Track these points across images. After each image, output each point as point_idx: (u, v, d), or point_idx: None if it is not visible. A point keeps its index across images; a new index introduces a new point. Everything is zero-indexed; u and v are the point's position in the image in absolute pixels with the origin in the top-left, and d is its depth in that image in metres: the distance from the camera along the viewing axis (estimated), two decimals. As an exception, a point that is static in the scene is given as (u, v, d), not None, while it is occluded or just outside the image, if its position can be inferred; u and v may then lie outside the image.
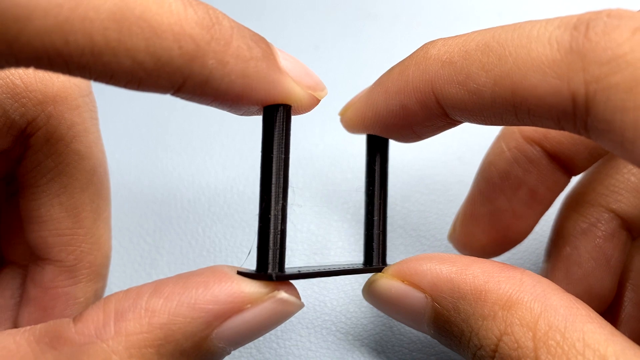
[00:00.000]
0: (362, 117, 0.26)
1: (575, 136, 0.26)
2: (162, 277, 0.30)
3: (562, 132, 0.26)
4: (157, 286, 0.21)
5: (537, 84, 0.20)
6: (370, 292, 0.25)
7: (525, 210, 0.28)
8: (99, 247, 0.28)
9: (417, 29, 0.40)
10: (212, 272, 0.22)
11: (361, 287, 0.30)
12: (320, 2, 0.42)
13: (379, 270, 0.25)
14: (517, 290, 0.21)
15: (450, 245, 0.30)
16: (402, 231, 0.33)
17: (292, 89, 0.22)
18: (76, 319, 0.21)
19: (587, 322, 0.20)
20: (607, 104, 0.18)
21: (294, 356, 0.30)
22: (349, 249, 0.33)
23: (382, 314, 0.30)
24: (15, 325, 0.28)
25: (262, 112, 0.23)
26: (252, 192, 0.35)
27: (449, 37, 0.23)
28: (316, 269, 0.24)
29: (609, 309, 0.27)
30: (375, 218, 0.26)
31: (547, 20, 0.20)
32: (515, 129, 0.27)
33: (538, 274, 0.24)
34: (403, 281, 0.24)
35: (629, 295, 0.27)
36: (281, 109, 0.22)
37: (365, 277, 0.26)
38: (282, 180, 0.22)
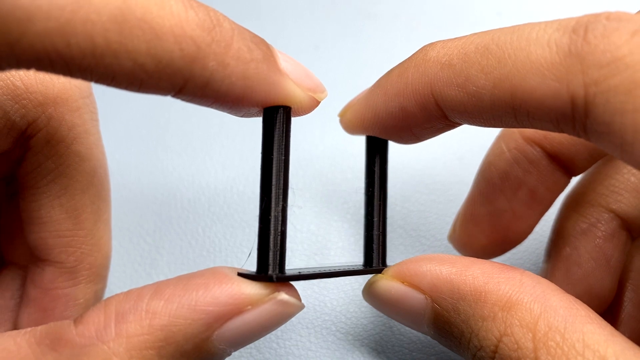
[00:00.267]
0: (362, 118, 0.26)
1: (575, 137, 0.26)
2: (162, 277, 0.30)
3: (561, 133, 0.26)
4: (158, 288, 0.21)
5: (536, 86, 0.20)
6: (370, 293, 0.25)
7: (525, 210, 0.28)
8: (99, 248, 0.28)
9: (417, 29, 0.40)
10: (212, 274, 0.22)
11: (361, 288, 0.30)
12: (320, 2, 0.42)
13: (379, 271, 0.25)
14: (516, 291, 0.21)
15: (450, 246, 0.30)
16: (402, 231, 0.33)
17: (293, 90, 0.22)
18: (77, 320, 0.21)
19: (586, 322, 0.20)
20: (606, 107, 0.18)
21: (294, 356, 0.30)
22: (349, 249, 0.33)
23: (382, 314, 0.30)
24: (15, 326, 0.28)
25: (262, 114, 0.23)
26: (252, 192, 0.35)
27: (448, 40, 0.23)
28: (316, 270, 0.24)
29: (609, 309, 0.27)
30: (375, 219, 0.26)
31: (546, 23, 0.20)
32: (515, 129, 0.27)
33: (538, 274, 0.24)
34: (403, 282, 0.24)
35: (628, 295, 0.27)
36: (281, 110, 0.22)
37: (366, 277, 0.26)
38: (282, 181, 0.22)
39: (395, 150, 0.32)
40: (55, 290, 0.27)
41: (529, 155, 0.27)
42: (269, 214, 0.22)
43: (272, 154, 0.22)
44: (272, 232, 0.22)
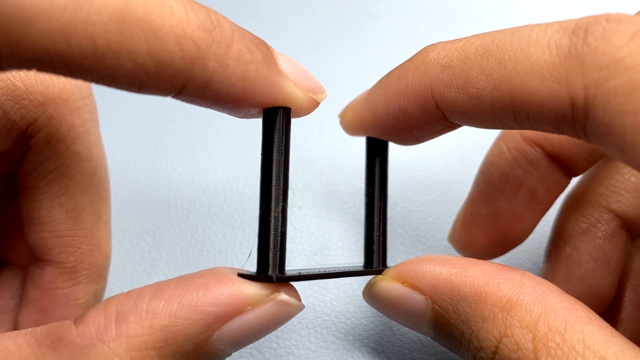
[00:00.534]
0: (362, 120, 0.26)
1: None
2: (162, 277, 0.30)
3: None
4: (158, 288, 0.21)
5: (536, 88, 0.20)
6: (370, 294, 0.25)
7: (526, 211, 0.28)
8: (99, 248, 0.28)
9: (417, 30, 0.40)
10: (212, 274, 0.22)
11: (361, 288, 0.30)
12: (320, 2, 0.42)
13: (379, 272, 0.25)
14: (516, 292, 0.21)
15: (450, 246, 0.30)
16: (402, 231, 0.33)
17: (292, 91, 0.22)
18: (77, 321, 0.21)
19: (586, 323, 0.20)
20: (606, 108, 0.18)
21: (294, 356, 0.30)
22: (349, 249, 0.33)
23: (382, 314, 0.30)
24: (15, 326, 0.28)
25: (262, 115, 0.23)
26: (252, 192, 0.35)
27: (448, 41, 0.23)
28: (316, 271, 0.24)
29: (609, 310, 0.27)
30: (375, 220, 0.26)
31: (546, 25, 0.20)
32: (515, 130, 0.27)
33: (538, 274, 0.24)
34: (403, 283, 0.24)
35: (628, 296, 0.27)
36: (281, 111, 0.22)
37: (366, 278, 0.26)
38: (282, 182, 0.22)
39: (395, 151, 0.32)
40: (55, 290, 0.27)
41: (529, 155, 0.27)
42: (269, 215, 0.22)
43: (272, 155, 0.22)
44: (272, 232, 0.22)
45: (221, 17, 0.21)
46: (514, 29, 0.21)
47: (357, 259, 0.33)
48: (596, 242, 0.27)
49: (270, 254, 0.22)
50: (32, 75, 0.25)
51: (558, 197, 0.28)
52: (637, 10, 0.24)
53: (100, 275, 0.28)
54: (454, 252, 0.30)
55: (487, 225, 0.28)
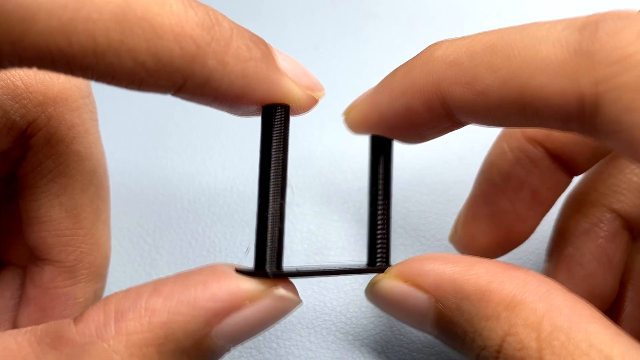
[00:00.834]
0: (367, 118, 0.25)
1: (578, 136, 0.26)
2: (162, 277, 0.30)
3: (564, 132, 0.26)
4: (157, 286, 0.21)
5: (544, 84, 0.19)
6: (372, 293, 0.25)
7: (527, 211, 0.27)
8: (99, 247, 0.27)
9: (417, 29, 0.40)
10: (210, 271, 0.22)
11: (361, 288, 0.30)
12: (320, 2, 0.41)
13: (378, 270, 0.25)
14: (520, 290, 0.21)
15: (450, 246, 0.30)
16: (402, 231, 0.33)
17: (291, 89, 0.22)
18: (76, 319, 0.21)
19: (591, 322, 0.20)
20: (615, 104, 0.18)
21: (294, 356, 0.30)
22: (349, 249, 0.33)
23: (382, 313, 0.30)
24: (15, 325, 0.28)
25: (260, 113, 0.23)
26: (252, 192, 0.35)
27: (454, 39, 0.23)
28: (315, 268, 0.24)
29: (610, 310, 0.27)
30: (379, 219, 0.26)
31: (554, 22, 0.20)
32: (516, 129, 0.27)
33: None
34: (406, 282, 0.23)
35: (629, 296, 0.27)
36: (280, 108, 0.23)
37: (366, 278, 0.26)
38: (280, 179, 0.23)
39: (396, 150, 0.31)
40: (54, 290, 0.27)
41: (531, 155, 0.27)
42: (267, 211, 0.22)
43: (271, 152, 0.22)
44: (269, 229, 0.22)
45: (220, 15, 0.21)
46: (521, 26, 0.21)
47: (357, 259, 0.32)
48: (598, 242, 0.26)
49: (268, 250, 0.22)
50: (31, 75, 0.25)
51: (559, 197, 0.28)
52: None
53: (99, 274, 0.28)
54: (455, 252, 0.30)
55: (489, 225, 0.28)
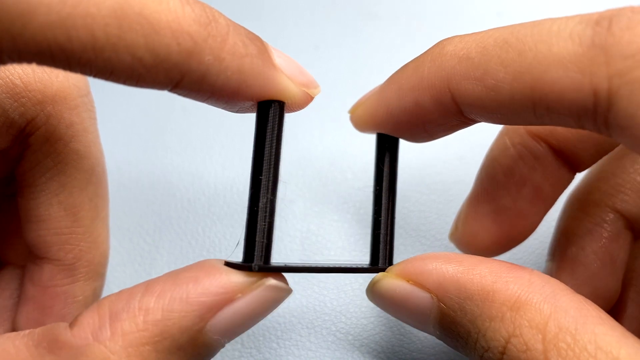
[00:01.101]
0: (374, 115, 0.25)
1: (582, 132, 0.26)
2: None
3: (568, 128, 0.26)
4: (148, 285, 0.22)
5: (558, 79, 0.19)
6: (374, 292, 0.25)
7: (530, 208, 0.27)
8: (98, 245, 0.28)
9: (417, 29, 0.40)
10: (200, 267, 0.22)
11: (361, 288, 0.30)
12: (320, 2, 0.41)
13: (373, 270, 0.25)
14: (525, 290, 0.20)
15: (450, 245, 0.30)
16: (402, 231, 0.33)
17: (287, 85, 0.22)
18: (72, 323, 0.21)
19: (598, 323, 0.19)
20: (630, 99, 0.18)
21: (294, 356, 0.29)
22: (349, 249, 0.33)
23: (381, 313, 0.30)
24: (14, 325, 0.28)
25: (256, 109, 0.23)
26: (252, 192, 0.35)
27: (465, 34, 0.22)
28: (304, 264, 0.25)
29: (611, 310, 0.27)
30: (382, 218, 0.26)
31: (567, 17, 0.20)
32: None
33: (542, 273, 0.24)
34: (408, 281, 0.23)
35: (631, 297, 0.27)
36: (275, 104, 0.23)
37: (367, 277, 0.26)
38: (272, 174, 0.23)
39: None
40: (53, 288, 0.27)
41: (534, 151, 0.26)
42: (257, 206, 0.22)
43: (264, 148, 0.23)
44: (259, 223, 0.22)
45: (216, 12, 0.21)
46: (532, 22, 0.21)
47: (357, 259, 0.32)
48: (602, 242, 0.26)
49: (257, 245, 0.22)
50: (30, 73, 0.25)
51: (561, 194, 0.28)
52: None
53: (98, 272, 0.28)
54: (455, 251, 0.29)
55: (490, 222, 0.27)
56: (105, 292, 0.30)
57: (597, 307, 0.20)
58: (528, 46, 0.20)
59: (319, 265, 0.25)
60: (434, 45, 0.23)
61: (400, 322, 0.30)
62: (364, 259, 0.26)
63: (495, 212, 0.27)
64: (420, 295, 0.23)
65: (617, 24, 0.18)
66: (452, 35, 0.23)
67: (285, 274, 0.24)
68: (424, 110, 0.23)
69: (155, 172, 0.36)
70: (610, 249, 0.26)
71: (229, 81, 0.21)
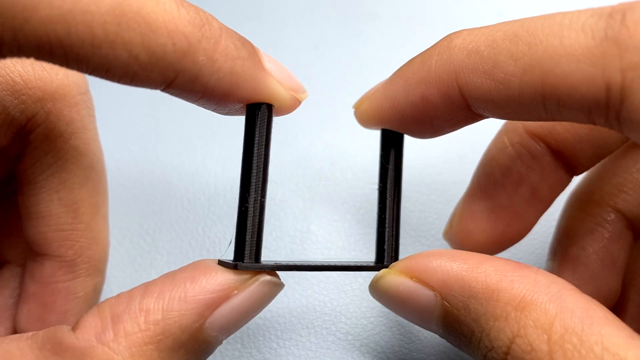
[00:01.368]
0: (379, 109, 0.25)
1: (581, 133, 0.25)
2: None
3: (567, 129, 0.25)
4: (147, 287, 0.22)
5: (569, 72, 0.19)
6: (376, 289, 0.24)
7: (526, 208, 0.27)
8: (98, 242, 0.28)
9: (417, 29, 0.40)
10: (195, 267, 0.23)
11: (361, 287, 0.29)
12: (320, 2, 0.41)
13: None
14: (531, 290, 0.20)
15: (448, 245, 0.30)
16: (402, 231, 0.32)
17: (276, 88, 0.23)
18: (74, 327, 0.22)
19: (604, 324, 0.19)
20: None
21: (294, 356, 0.29)
22: (349, 248, 0.32)
23: (382, 314, 0.30)
24: (15, 322, 0.28)
25: (245, 112, 0.23)
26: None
27: (473, 28, 0.22)
28: (295, 263, 0.25)
29: (611, 311, 0.27)
30: (387, 215, 0.25)
31: (579, 11, 0.19)
32: (519, 123, 0.27)
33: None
34: (411, 278, 0.23)
35: (632, 297, 0.27)
36: (263, 107, 0.23)
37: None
38: (261, 175, 0.23)
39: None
40: (54, 284, 0.27)
41: (533, 150, 0.26)
42: (246, 206, 0.23)
43: (253, 149, 0.23)
44: (249, 223, 0.23)
45: (209, 16, 0.21)
46: (542, 15, 0.20)
47: (358, 259, 0.32)
48: (603, 242, 0.26)
49: (247, 243, 0.23)
50: (30, 71, 0.25)
51: (558, 196, 0.27)
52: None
53: (98, 268, 0.28)
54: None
55: (486, 221, 0.27)
56: (106, 292, 0.31)
57: (603, 307, 0.20)
58: (539, 39, 0.20)
59: (308, 264, 0.25)
60: (442, 39, 0.23)
61: (400, 322, 0.30)
62: (364, 259, 0.26)
63: (491, 211, 0.27)
64: (424, 293, 0.22)
65: (631, 17, 0.18)
66: (453, 35, 0.23)
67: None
68: (431, 104, 0.23)
69: (155, 172, 0.36)
70: (611, 249, 0.26)
71: (220, 82, 0.21)
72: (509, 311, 0.20)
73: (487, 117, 0.23)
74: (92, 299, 0.28)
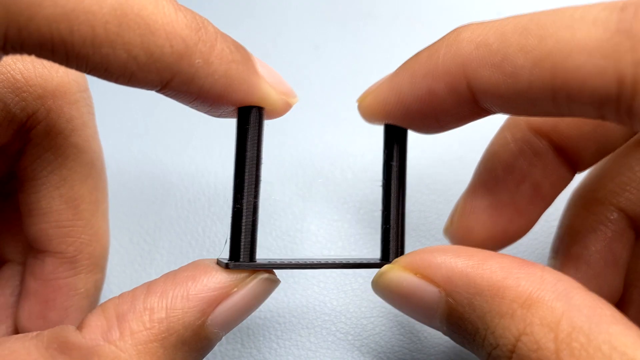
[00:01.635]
0: (384, 103, 0.24)
1: (585, 130, 0.25)
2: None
3: (571, 125, 0.25)
4: (149, 286, 0.23)
5: (580, 65, 0.18)
6: (379, 285, 0.24)
7: (528, 205, 0.26)
8: (98, 238, 0.28)
9: (417, 30, 0.40)
10: (196, 266, 0.23)
11: (361, 287, 0.29)
12: (320, 2, 0.41)
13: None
14: (537, 287, 0.20)
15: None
16: (402, 231, 0.33)
17: (269, 92, 0.23)
18: (79, 327, 0.22)
19: (612, 323, 0.19)
20: None
21: (294, 356, 0.29)
22: (349, 248, 0.32)
23: (382, 314, 0.30)
24: (16, 320, 0.28)
25: (236, 115, 0.24)
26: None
27: (481, 22, 0.22)
28: (289, 261, 0.25)
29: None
30: (392, 212, 0.25)
31: (589, 5, 0.19)
32: (521, 119, 0.26)
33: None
34: (415, 274, 0.22)
35: (634, 297, 0.26)
36: (255, 110, 0.24)
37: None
38: (253, 177, 0.24)
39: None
40: (56, 281, 0.27)
41: (535, 147, 0.26)
42: (239, 206, 0.24)
43: (245, 152, 0.24)
44: (242, 223, 0.24)
45: (205, 20, 0.22)
46: (552, 9, 0.20)
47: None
48: (606, 241, 0.26)
49: (241, 244, 0.24)
50: (31, 69, 0.25)
51: (560, 193, 0.27)
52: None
53: (99, 265, 0.28)
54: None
55: (487, 218, 0.27)
56: (106, 292, 0.31)
57: (611, 306, 0.20)
58: (549, 32, 0.19)
59: (298, 262, 0.25)
60: (450, 32, 0.23)
61: (400, 322, 0.29)
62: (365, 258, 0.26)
63: (492, 208, 0.27)
64: (428, 289, 0.22)
65: None
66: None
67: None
68: (437, 98, 0.23)
69: (155, 172, 0.36)
70: (614, 248, 0.26)
71: (215, 84, 0.22)
72: (515, 309, 0.20)
73: (494, 113, 0.23)
74: (93, 296, 0.28)
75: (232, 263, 0.23)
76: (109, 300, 0.23)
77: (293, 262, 0.25)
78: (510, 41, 0.20)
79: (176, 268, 0.24)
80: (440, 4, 0.41)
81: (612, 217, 0.26)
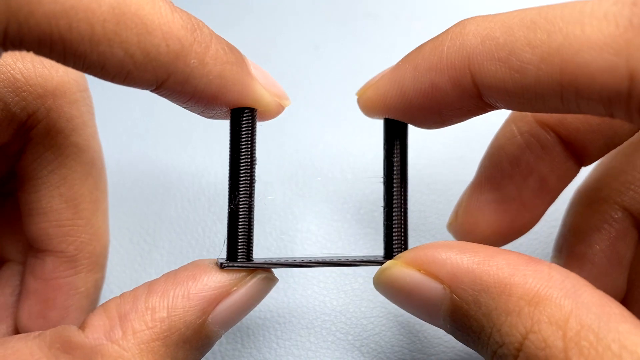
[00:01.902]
0: (385, 96, 0.24)
1: (592, 123, 0.25)
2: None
3: (578, 118, 0.25)
4: (150, 286, 0.23)
5: (590, 60, 0.18)
6: (381, 281, 0.24)
7: (534, 199, 0.26)
8: (98, 237, 0.28)
9: (417, 29, 0.39)
10: (195, 266, 0.24)
11: (362, 287, 0.29)
12: (320, 2, 0.41)
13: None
14: (545, 285, 0.19)
15: (451, 241, 0.29)
16: (402, 231, 0.33)
17: (262, 94, 0.24)
18: (82, 326, 0.22)
19: (621, 321, 0.18)
20: None
21: (294, 356, 0.29)
22: (349, 248, 0.32)
23: (382, 314, 0.29)
24: (17, 320, 0.28)
25: (229, 116, 0.24)
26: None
27: (486, 15, 0.21)
28: (286, 260, 0.25)
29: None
30: (395, 208, 0.25)
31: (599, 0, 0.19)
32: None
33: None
34: (419, 270, 0.22)
35: (636, 297, 0.26)
36: (247, 111, 0.24)
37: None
38: (248, 177, 0.24)
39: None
40: (56, 280, 0.27)
41: (543, 140, 0.25)
42: (234, 207, 0.24)
43: (240, 153, 0.24)
44: (240, 223, 0.24)
45: (201, 22, 0.22)
46: (561, 3, 0.20)
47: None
48: (610, 240, 0.25)
49: (238, 244, 0.24)
50: (31, 68, 0.26)
51: (566, 187, 0.27)
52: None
53: (99, 264, 0.29)
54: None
55: (492, 212, 0.26)
56: (106, 292, 0.31)
57: (619, 304, 0.19)
58: (558, 27, 0.19)
59: (294, 261, 0.25)
60: (454, 24, 0.22)
61: (400, 322, 0.29)
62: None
63: (498, 202, 0.26)
64: (432, 286, 0.22)
65: None
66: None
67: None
68: (441, 92, 0.22)
69: (155, 172, 0.35)
70: (617, 247, 0.25)
71: (210, 85, 0.22)
72: (522, 306, 0.19)
73: (498, 108, 0.22)
74: (93, 295, 0.29)
75: (226, 263, 0.24)
76: (111, 300, 0.23)
77: (290, 260, 0.25)
78: (517, 35, 0.20)
79: (176, 268, 0.24)
80: (441, 3, 0.40)
81: (616, 216, 0.25)
